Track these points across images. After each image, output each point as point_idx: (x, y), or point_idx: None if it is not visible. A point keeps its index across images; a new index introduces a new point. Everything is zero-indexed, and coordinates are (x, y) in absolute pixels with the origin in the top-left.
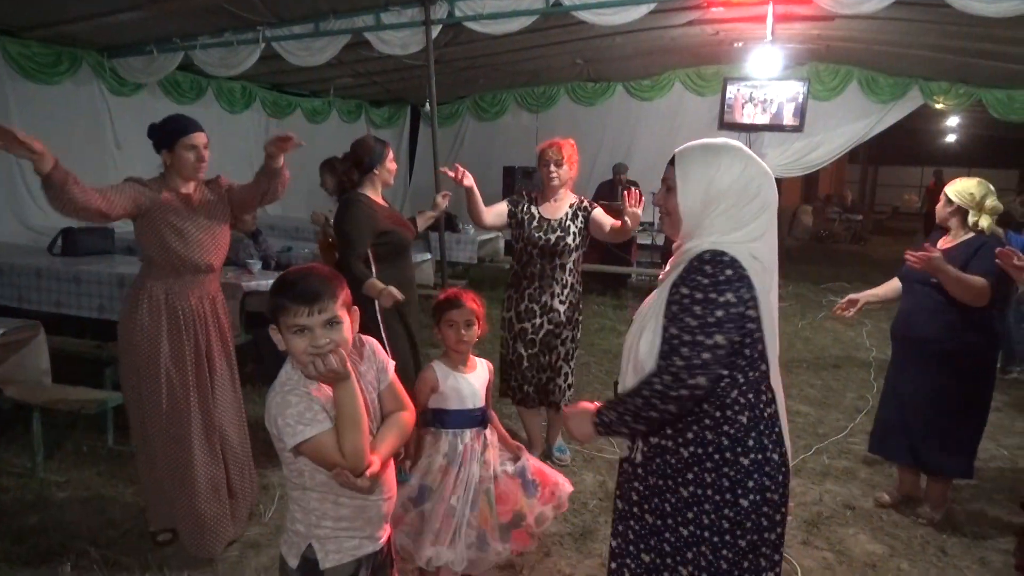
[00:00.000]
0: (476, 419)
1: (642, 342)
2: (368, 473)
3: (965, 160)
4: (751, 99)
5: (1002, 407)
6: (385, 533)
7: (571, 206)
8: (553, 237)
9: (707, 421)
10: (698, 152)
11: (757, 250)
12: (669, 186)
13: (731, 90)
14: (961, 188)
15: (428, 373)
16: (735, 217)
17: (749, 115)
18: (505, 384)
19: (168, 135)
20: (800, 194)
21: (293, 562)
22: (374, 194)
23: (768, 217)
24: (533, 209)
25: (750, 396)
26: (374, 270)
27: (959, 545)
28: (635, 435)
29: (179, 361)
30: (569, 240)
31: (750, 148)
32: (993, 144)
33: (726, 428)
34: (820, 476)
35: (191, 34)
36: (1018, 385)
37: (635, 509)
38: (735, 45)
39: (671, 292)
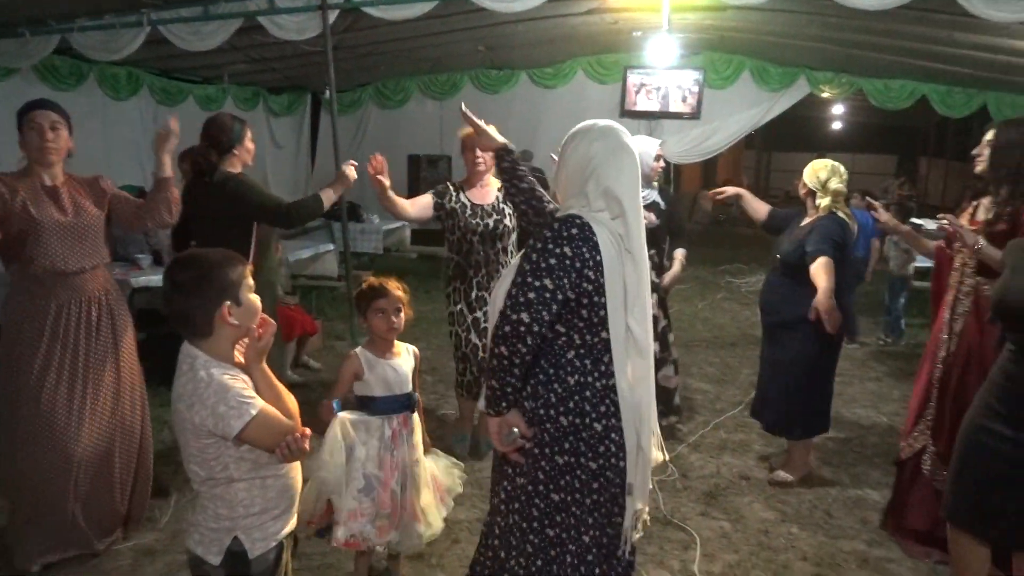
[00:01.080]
0: (403, 404)
1: (498, 293)
2: (308, 432)
3: (851, 146)
4: (650, 87)
5: (882, 377)
6: (295, 509)
7: (499, 190)
8: (491, 222)
9: (541, 376)
10: (573, 132)
11: (620, 227)
12: (558, 162)
13: (631, 78)
14: (811, 171)
15: (352, 360)
16: (597, 191)
17: (649, 103)
18: (460, 379)
19: (18, 118)
20: (700, 180)
21: (215, 559)
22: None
23: (630, 196)
24: (463, 197)
25: (586, 362)
26: (252, 252)
27: (843, 507)
28: (517, 393)
29: (49, 367)
30: (507, 222)
31: (651, 135)
32: (875, 130)
33: (555, 386)
34: (718, 450)
35: (68, 15)
36: (896, 356)
37: (501, 463)
38: (634, 34)
39: (525, 248)
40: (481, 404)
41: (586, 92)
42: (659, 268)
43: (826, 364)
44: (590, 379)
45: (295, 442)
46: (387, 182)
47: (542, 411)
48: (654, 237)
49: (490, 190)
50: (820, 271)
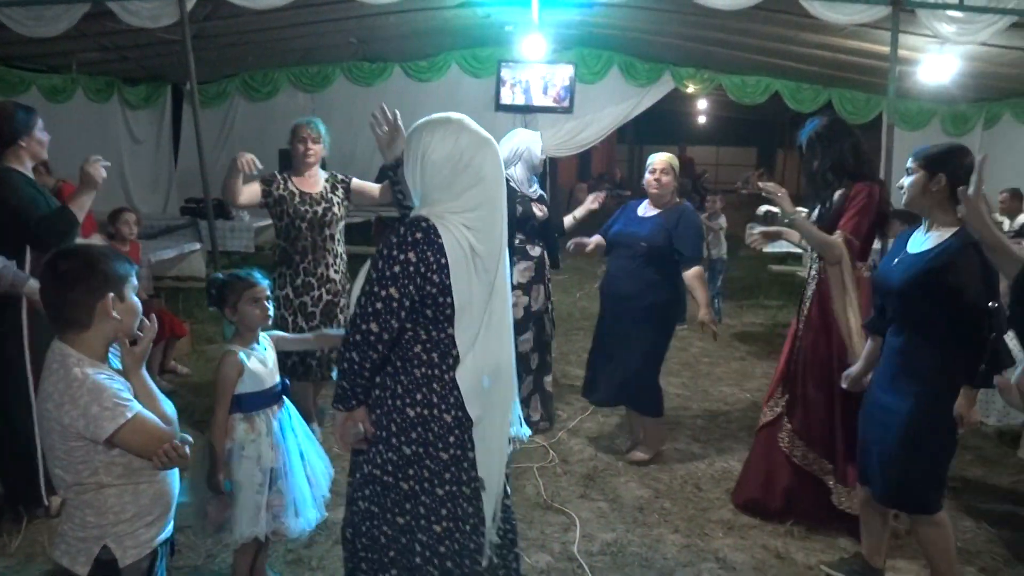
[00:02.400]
0: (278, 395)
1: (355, 290)
2: (189, 440)
3: (715, 139)
4: (524, 81)
5: (745, 356)
6: (172, 516)
7: (326, 180)
8: (320, 209)
9: (389, 368)
10: (419, 127)
11: (473, 221)
12: (409, 157)
13: (505, 73)
14: (673, 161)
15: (232, 358)
16: (450, 187)
17: (523, 97)
18: (285, 362)
19: None
20: (575, 173)
21: (82, 569)
22: (25, 171)
23: (484, 189)
24: (290, 186)
25: (433, 355)
26: (28, 266)
27: (711, 480)
28: (367, 392)
29: None
30: (335, 210)
31: (525, 128)
32: (736, 125)
33: (401, 378)
34: (596, 434)
35: None
36: (759, 336)
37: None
38: (506, 28)
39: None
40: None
41: (461, 86)
42: (554, 262)
43: (666, 343)
44: (437, 371)
45: (173, 450)
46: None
47: (390, 402)
48: (545, 231)
49: (318, 179)
50: (697, 283)
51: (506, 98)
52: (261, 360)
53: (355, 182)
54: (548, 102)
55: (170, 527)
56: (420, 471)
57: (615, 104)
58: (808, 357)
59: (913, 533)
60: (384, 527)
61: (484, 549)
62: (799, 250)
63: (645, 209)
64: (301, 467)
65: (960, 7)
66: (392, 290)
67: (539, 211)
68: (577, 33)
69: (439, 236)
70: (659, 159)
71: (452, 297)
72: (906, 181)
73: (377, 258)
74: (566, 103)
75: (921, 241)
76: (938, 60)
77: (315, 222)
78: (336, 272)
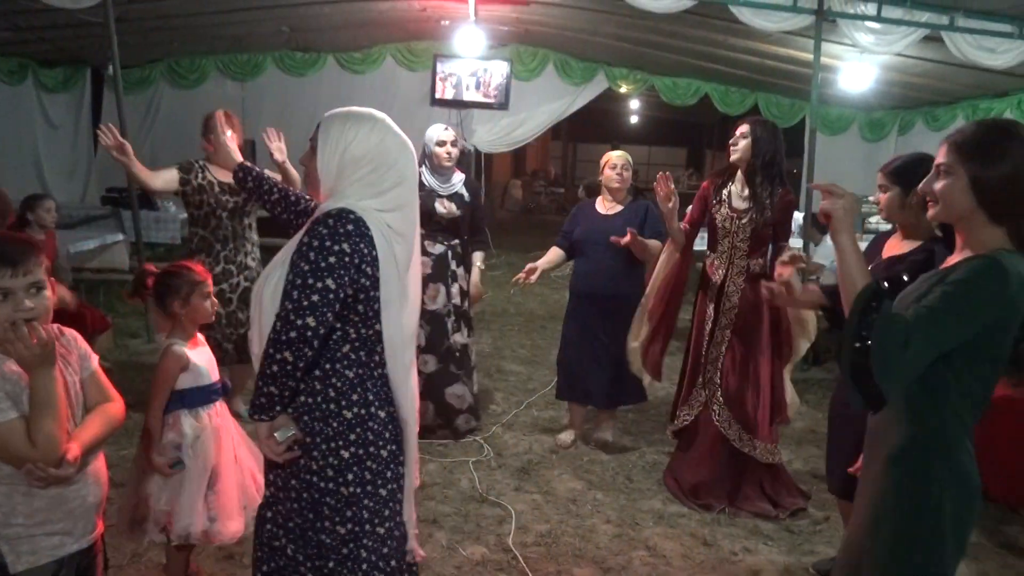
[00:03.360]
0: (218, 391)
1: (265, 290)
2: (70, 458)
3: (646, 139)
4: (460, 76)
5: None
6: (95, 530)
7: None
8: (240, 198)
9: (317, 372)
10: (340, 118)
11: (394, 221)
12: (313, 146)
13: (441, 67)
14: (629, 160)
15: (177, 351)
16: (371, 184)
17: (459, 92)
18: None
19: None
20: (510, 169)
21: None
22: None
23: (405, 191)
24: (209, 175)
25: (361, 353)
26: None
27: (642, 471)
28: (285, 403)
29: None
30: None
31: (460, 124)
32: (667, 125)
33: (333, 380)
34: (530, 428)
35: None
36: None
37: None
38: (442, 23)
39: (297, 244)
40: (242, 409)
41: (396, 79)
42: (460, 259)
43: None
44: (367, 370)
45: (34, 473)
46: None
47: (324, 406)
48: (455, 228)
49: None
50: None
51: (442, 93)
52: (203, 355)
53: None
54: (484, 98)
55: (86, 541)
56: (362, 473)
57: (550, 102)
58: (741, 339)
59: None
60: (324, 537)
61: (413, 544)
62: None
63: (604, 206)
64: (234, 470)
65: (878, 19)
66: (329, 281)
67: (442, 207)
68: (513, 30)
69: (368, 229)
70: (619, 155)
71: (380, 291)
72: (880, 197)
73: (306, 250)
74: (502, 99)
75: (897, 246)
76: (857, 68)
77: (236, 211)
78: (253, 260)
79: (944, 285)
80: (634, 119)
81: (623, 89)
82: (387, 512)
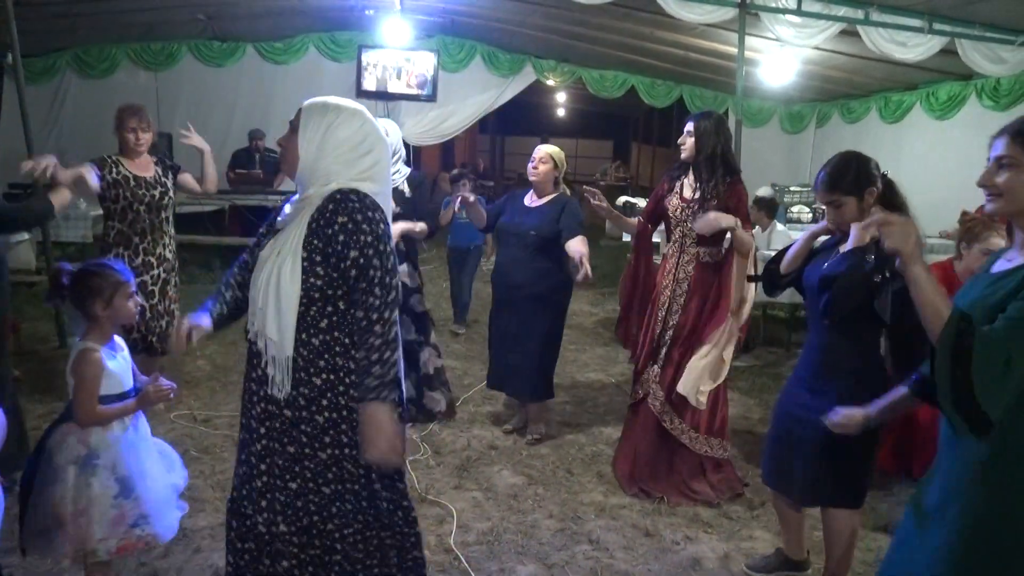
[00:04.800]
0: (135, 394)
1: (282, 277)
2: None
3: (573, 131)
4: (386, 67)
5: (609, 342)
6: None
7: (156, 163)
8: (156, 193)
9: (338, 348)
10: (322, 104)
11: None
12: (293, 127)
13: (366, 58)
14: (560, 155)
15: (93, 356)
16: (351, 165)
17: (385, 83)
18: (126, 336)
19: None
20: (439, 162)
21: None
22: None
23: (380, 182)
24: (123, 170)
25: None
26: None
27: (582, 464)
28: (398, 383)
29: None
30: (170, 193)
31: (388, 116)
32: (593, 118)
33: (355, 353)
34: (468, 423)
35: None
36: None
37: (274, 445)
38: (367, 12)
39: (322, 226)
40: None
41: (320, 69)
42: (403, 255)
43: (561, 329)
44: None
45: None
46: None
47: (347, 379)
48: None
49: (148, 163)
50: (582, 244)
51: (368, 84)
52: (119, 359)
53: (182, 175)
54: (411, 90)
55: None
56: None
57: (478, 94)
58: (688, 330)
59: (824, 522)
60: (364, 494)
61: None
62: (656, 239)
63: (531, 199)
64: (161, 469)
65: (798, 12)
66: (391, 246)
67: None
68: (440, 21)
69: (379, 207)
70: (540, 149)
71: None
72: (838, 212)
73: (352, 225)
74: (429, 91)
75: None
76: (778, 61)
77: (153, 205)
78: (171, 252)
79: None
80: (561, 112)
81: (551, 81)
82: (402, 485)
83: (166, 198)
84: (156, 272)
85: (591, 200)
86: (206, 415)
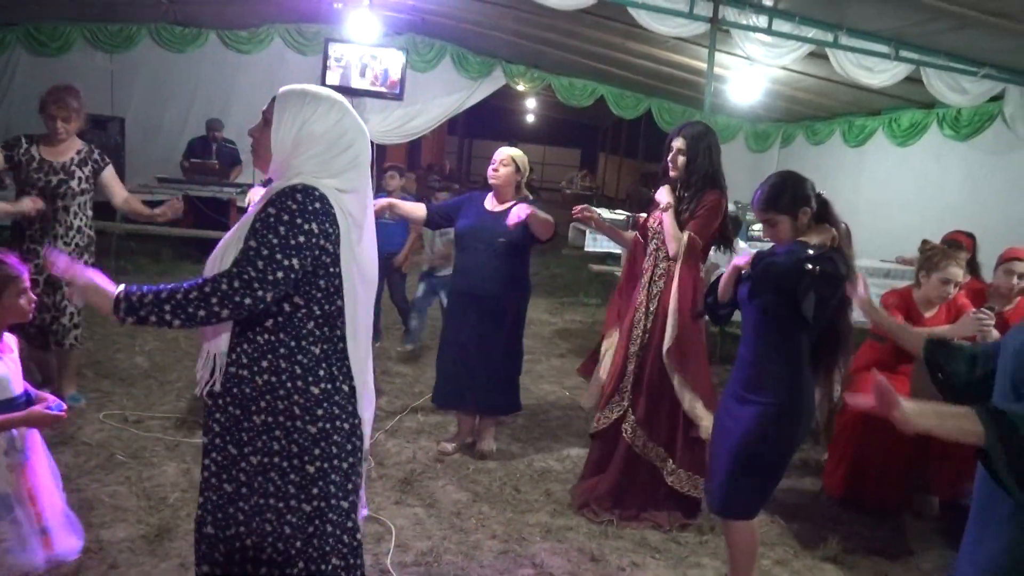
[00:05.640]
0: (24, 403)
1: (224, 261)
2: None
3: (542, 138)
4: (353, 63)
5: (566, 353)
6: None
7: (78, 152)
8: (55, 180)
9: (282, 350)
10: (298, 94)
11: (348, 202)
12: (267, 119)
13: (333, 52)
14: (523, 158)
15: None
16: (327, 164)
17: (351, 79)
18: (24, 328)
19: None
20: (404, 162)
21: None
22: None
23: (359, 173)
24: (33, 151)
25: (325, 329)
26: None
27: (530, 482)
28: (160, 324)
29: None
30: (73, 184)
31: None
32: (562, 126)
33: (299, 357)
34: (415, 434)
35: None
36: (578, 334)
37: (219, 441)
38: (335, 5)
39: (258, 213)
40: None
41: (285, 61)
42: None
43: (521, 339)
44: (331, 345)
45: None
46: None
47: (289, 384)
48: None
49: (68, 150)
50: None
51: (332, 79)
52: (6, 361)
53: (106, 173)
54: (377, 87)
55: None
56: (328, 448)
57: (446, 95)
58: (657, 348)
59: (725, 533)
60: (288, 516)
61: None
62: (619, 250)
63: (492, 203)
64: (53, 485)
65: (768, 31)
66: (295, 261)
67: None
68: (410, 19)
69: (332, 205)
70: (502, 151)
71: (341, 267)
72: (774, 230)
73: (275, 223)
74: (396, 89)
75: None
76: (747, 79)
77: (46, 191)
78: (67, 244)
79: None
80: (530, 118)
81: (520, 86)
82: (349, 486)
83: (65, 187)
84: (40, 262)
85: (583, 216)
86: (138, 416)
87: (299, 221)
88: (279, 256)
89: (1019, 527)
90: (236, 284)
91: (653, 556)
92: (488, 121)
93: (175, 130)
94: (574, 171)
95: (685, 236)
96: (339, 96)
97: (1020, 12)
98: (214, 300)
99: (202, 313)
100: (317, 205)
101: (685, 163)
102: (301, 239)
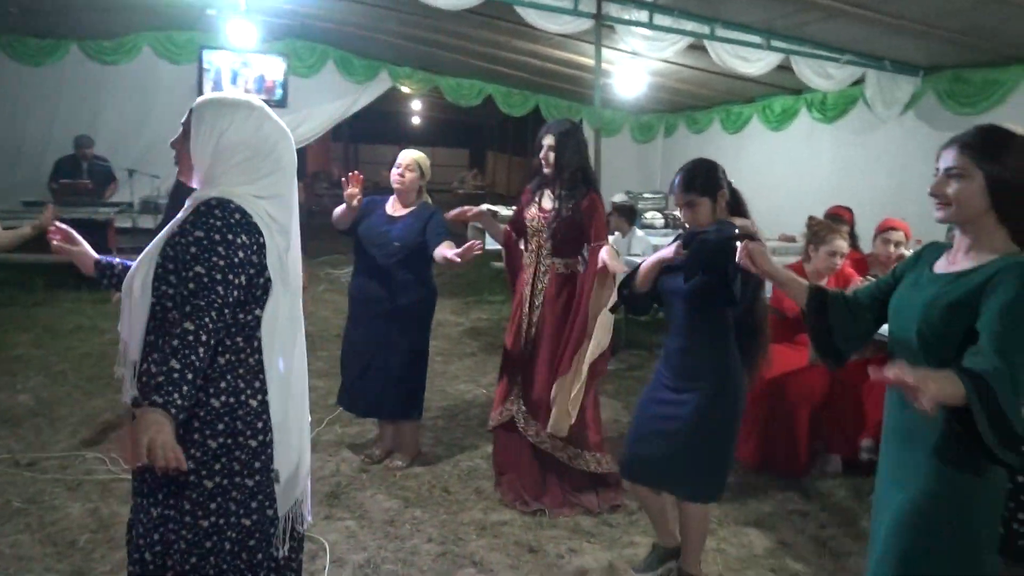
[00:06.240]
0: None
1: (135, 282)
2: None
3: (429, 140)
4: (232, 71)
5: (476, 352)
6: None
7: None
8: None
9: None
10: (214, 104)
11: (271, 208)
12: (185, 131)
13: (209, 60)
14: (426, 162)
15: None
16: (247, 171)
17: (230, 87)
18: None
19: None
20: None
21: None
22: None
23: (282, 178)
24: None
25: (238, 339)
26: None
27: (459, 481)
28: (192, 390)
29: None
30: None
31: None
32: (449, 126)
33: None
34: (336, 446)
35: None
36: (487, 331)
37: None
38: (208, 12)
39: (178, 235)
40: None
41: (157, 71)
42: None
43: (427, 342)
44: (242, 356)
45: None
46: None
47: (248, 404)
48: None
49: None
50: (448, 247)
51: (212, 87)
52: None
53: None
54: (259, 94)
55: None
56: (230, 464)
57: (332, 100)
58: (547, 340)
59: (683, 514)
60: (183, 531)
61: (278, 540)
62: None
63: (394, 208)
64: None
65: (650, 25)
66: (243, 277)
67: None
68: (289, 23)
69: (250, 216)
70: (406, 155)
71: (266, 278)
72: (692, 212)
73: (209, 244)
74: (276, 96)
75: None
76: (630, 73)
77: None
78: None
79: (1002, 311)
80: (416, 120)
81: (407, 89)
82: (254, 505)
83: None
84: None
85: (458, 213)
86: (31, 458)
87: (231, 237)
88: (230, 276)
89: (938, 474)
90: (212, 315)
91: (588, 540)
92: (373, 124)
93: (37, 150)
94: (463, 171)
95: (604, 250)
96: (258, 101)
97: (877, 3)
98: (203, 338)
99: (201, 351)
100: (237, 216)
101: (555, 159)
102: (241, 255)
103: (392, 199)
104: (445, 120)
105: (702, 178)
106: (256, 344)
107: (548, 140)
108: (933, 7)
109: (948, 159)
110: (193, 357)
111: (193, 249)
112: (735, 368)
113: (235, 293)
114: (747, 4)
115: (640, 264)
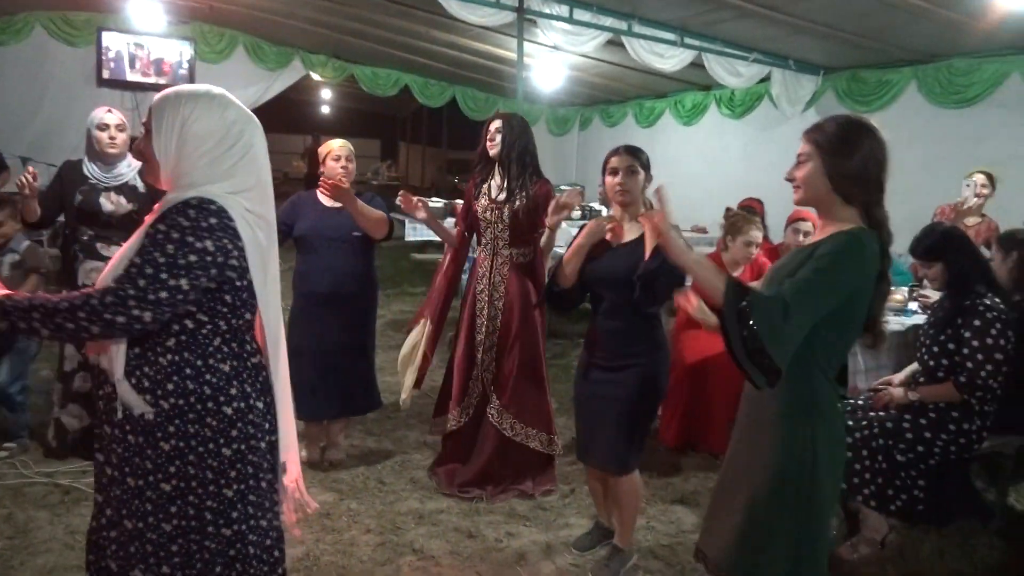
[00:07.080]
0: None
1: (110, 270)
2: None
3: (340, 130)
4: (133, 54)
5: (399, 344)
6: None
7: None
8: None
9: (188, 371)
10: (173, 97)
11: (250, 202)
12: (147, 129)
13: (108, 42)
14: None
15: None
16: (217, 161)
17: (132, 72)
18: None
19: None
20: None
21: None
22: None
23: (254, 167)
24: None
25: (233, 345)
26: None
27: (393, 472)
28: (30, 333)
29: None
30: None
31: (137, 109)
32: (361, 116)
33: (208, 377)
34: None
35: None
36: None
37: (116, 473)
38: None
39: (147, 228)
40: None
41: (49, 54)
42: None
43: (372, 336)
44: (242, 361)
45: None
46: None
47: (199, 406)
48: (131, 225)
49: None
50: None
51: (112, 72)
52: None
53: None
54: (152, 78)
55: None
56: (245, 468)
57: (243, 87)
58: (513, 330)
59: (614, 490)
60: (206, 542)
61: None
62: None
63: (328, 200)
64: None
65: (570, 20)
66: (183, 281)
67: (109, 203)
68: (196, 6)
69: (231, 219)
70: (341, 144)
71: (248, 280)
72: (627, 180)
73: (163, 240)
74: (184, 82)
75: (628, 231)
76: (549, 66)
77: None
78: None
79: (814, 260)
80: (326, 109)
81: (319, 77)
82: (267, 504)
83: None
84: None
85: (407, 206)
86: None
87: (190, 239)
88: (164, 276)
89: (789, 424)
90: (108, 300)
91: (525, 524)
92: (280, 113)
93: None
94: (375, 162)
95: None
96: (218, 89)
97: (784, 4)
98: (82, 315)
99: (70, 326)
100: (213, 220)
101: (502, 140)
102: (192, 258)
103: (318, 193)
104: (356, 110)
105: (643, 154)
106: (251, 347)
107: (496, 123)
108: (832, 10)
109: (801, 147)
110: (58, 320)
111: (146, 241)
112: (664, 339)
113: (162, 294)
114: (663, 2)
115: (562, 258)
